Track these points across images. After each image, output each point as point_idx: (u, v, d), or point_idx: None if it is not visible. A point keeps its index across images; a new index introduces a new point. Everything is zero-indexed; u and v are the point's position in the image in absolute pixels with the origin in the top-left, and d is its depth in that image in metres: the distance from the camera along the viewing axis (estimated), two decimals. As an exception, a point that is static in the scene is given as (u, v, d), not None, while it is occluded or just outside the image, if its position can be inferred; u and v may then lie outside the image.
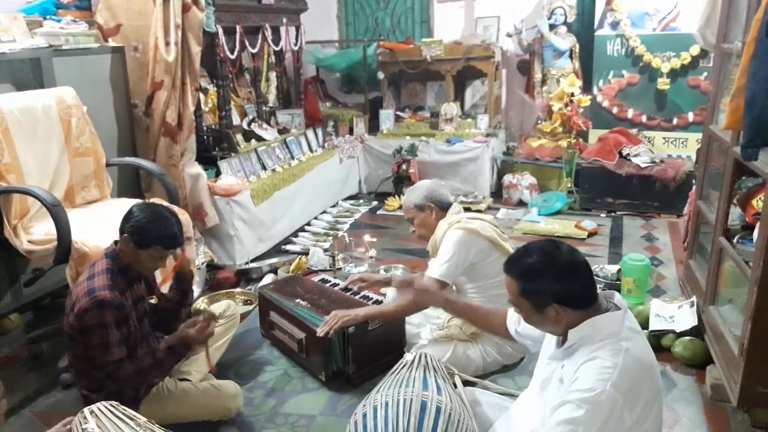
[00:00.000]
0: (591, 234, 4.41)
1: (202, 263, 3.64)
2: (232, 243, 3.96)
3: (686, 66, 5.03)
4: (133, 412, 1.72)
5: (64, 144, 2.99)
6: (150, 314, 2.45)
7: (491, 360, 2.63)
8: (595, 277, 3.56)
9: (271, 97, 5.31)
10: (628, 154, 4.97)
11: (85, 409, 1.67)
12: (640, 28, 5.13)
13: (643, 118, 5.28)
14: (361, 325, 2.56)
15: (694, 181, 3.90)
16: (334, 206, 5.30)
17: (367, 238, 4.27)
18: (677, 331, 2.82)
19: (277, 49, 4.92)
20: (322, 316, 2.61)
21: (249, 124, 4.73)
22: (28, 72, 3.06)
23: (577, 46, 5.44)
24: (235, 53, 4.33)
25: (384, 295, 3.00)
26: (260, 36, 4.62)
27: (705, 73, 4.98)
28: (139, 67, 3.64)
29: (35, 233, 2.72)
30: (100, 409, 1.67)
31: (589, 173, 4.99)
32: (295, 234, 4.62)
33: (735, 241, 2.56)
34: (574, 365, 1.55)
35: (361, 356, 2.61)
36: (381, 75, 5.79)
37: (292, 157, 4.87)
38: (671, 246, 4.21)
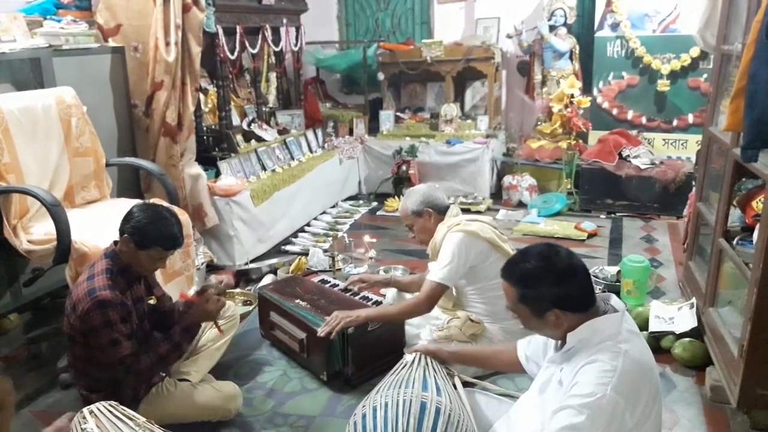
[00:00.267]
0: (591, 235, 4.41)
1: (202, 263, 3.64)
2: (231, 243, 3.96)
3: (686, 67, 5.03)
4: (133, 413, 1.72)
5: (64, 144, 2.99)
6: (149, 315, 2.45)
7: (491, 361, 2.62)
8: (594, 279, 3.58)
9: (271, 97, 5.31)
10: (628, 155, 4.97)
11: (85, 409, 1.67)
12: (640, 30, 5.13)
13: (643, 120, 5.28)
14: (360, 326, 2.55)
15: (693, 183, 3.90)
16: (333, 207, 5.30)
17: (366, 238, 4.27)
18: (677, 332, 2.82)
19: (277, 49, 4.92)
20: (322, 317, 2.61)
21: (249, 125, 4.72)
22: (28, 72, 3.06)
23: (577, 47, 5.44)
24: (235, 54, 4.33)
25: (383, 296, 3.00)
26: (260, 36, 4.62)
27: (705, 75, 4.98)
28: (139, 68, 3.64)
29: (35, 233, 2.72)
30: (99, 409, 1.67)
31: (589, 175, 4.99)
32: (294, 235, 4.61)
33: (735, 242, 2.56)
34: (573, 368, 1.55)
35: (361, 357, 2.61)
36: (381, 76, 5.79)
37: (292, 158, 4.87)
38: (671, 247, 4.21)
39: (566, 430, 1.46)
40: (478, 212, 4.72)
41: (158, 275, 2.63)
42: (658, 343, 2.84)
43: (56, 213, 2.56)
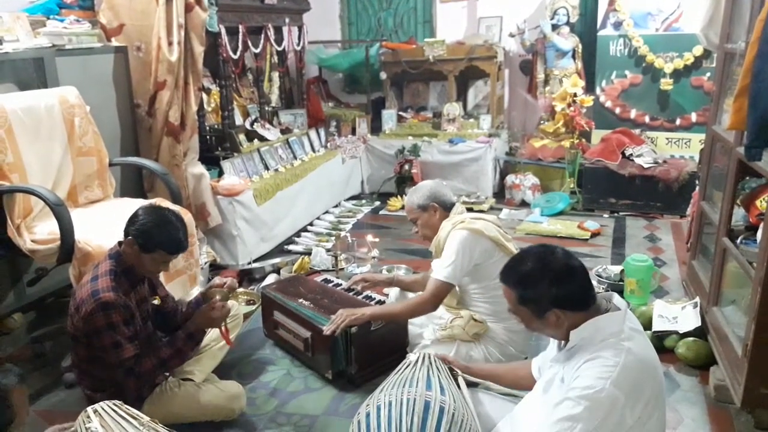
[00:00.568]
0: (594, 234, 4.41)
1: (205, 263, 3.64)
2: (234, 243, 3.97)
3: (689, 66, 5.02)
4: (137, 412, 1.72)
5: (67, 143, 2.99)
6: (152, 315, 2.45)
7: (494, 360, 2.62)
8: (598, 278, 3.58)
9: (274, 97, 5.32)
10: (631, 154, 4.96)
11: (89, 408, 1.67)
12: (643, 29, 5.12)
13: (646, 119, 5.27)
14: (364, 325, 2.55)
15: (697, 182, 3.90)
16: (336, 206, 5.30)
17: (369, 238, 4.26)
18: (680, 332, 2.82)
19: (279, 49, 4.92)
20: (325, 316, 2.61)
21: (252, 124, 4.73)
22: (32, 72, 3.06)
23: (580, 46, 5.43)
24: (238, 53, 4.33)
25: (386, 295, 3.00)
26: (263, 36, 4.62)
27: (708, 74, 4.97)
28: (142, 67, 3.65)
29: (38, 233, 2.72)
30: (103, 408, 1.67)
31: (592, 174, 4.98)
32: (297, 234, 4.62)
33: (738, 241, 2.55)
34: (576, 364, 1.55)
35: (364, 356, 2.61)
36: (383, 75, 5.78)
37: (295, 157, 4.88)
38: (674, 247, 4.20)
39: (564, 421, 1.48)
40: (481, 211, 4.72)
41: (161, 274, 2.63)
42: (661, 343, 2.83)
43: (60, 212, 2.56)
